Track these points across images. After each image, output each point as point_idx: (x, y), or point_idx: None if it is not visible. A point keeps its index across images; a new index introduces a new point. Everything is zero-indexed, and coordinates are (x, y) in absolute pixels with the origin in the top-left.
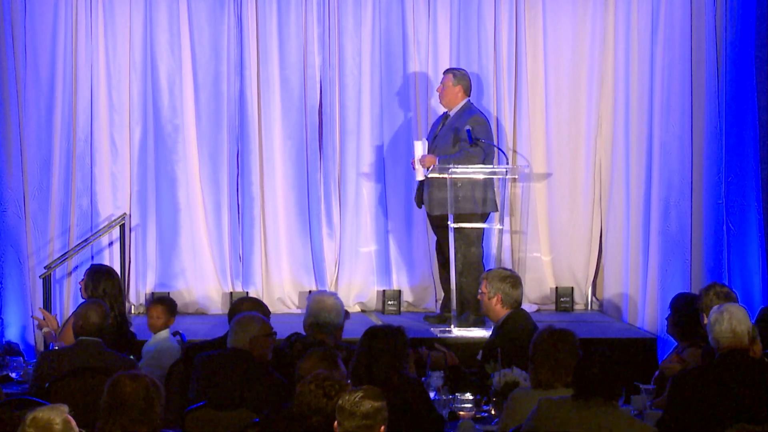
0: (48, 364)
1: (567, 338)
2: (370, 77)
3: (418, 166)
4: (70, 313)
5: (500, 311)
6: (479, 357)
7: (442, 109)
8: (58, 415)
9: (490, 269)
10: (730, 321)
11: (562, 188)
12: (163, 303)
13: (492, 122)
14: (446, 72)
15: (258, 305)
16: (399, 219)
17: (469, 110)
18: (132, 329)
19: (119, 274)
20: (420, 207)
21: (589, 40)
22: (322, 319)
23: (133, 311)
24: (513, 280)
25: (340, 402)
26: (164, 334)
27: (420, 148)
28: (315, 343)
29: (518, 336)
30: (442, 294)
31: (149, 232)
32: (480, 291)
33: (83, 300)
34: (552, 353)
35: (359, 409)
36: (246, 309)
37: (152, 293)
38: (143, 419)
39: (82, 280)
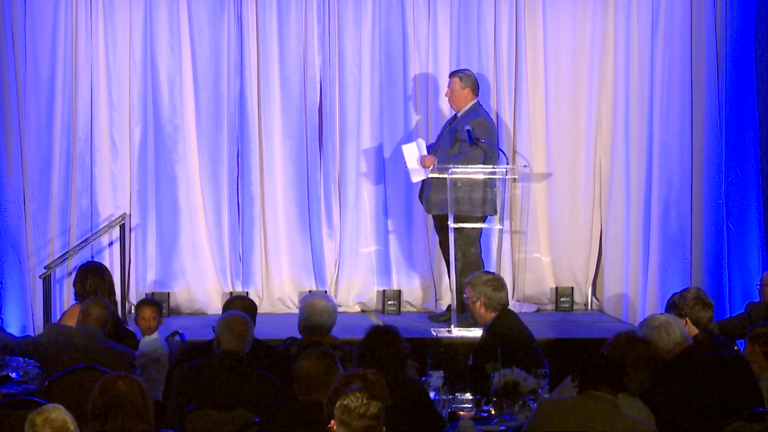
0: (53, 337)
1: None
2: (370, 77)
3: (415, 166)
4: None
5: (485, 315)
6: (470, 362)
7: (444, 109)
8: (67, 415)
9: (474, 273)
10: (669, 329)
11: (562, 188)
12: (154, 304)
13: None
14: (452, 75)
15: (244, 302)
16: (399, 219)
17: (475, 111)
18: (130, 328)
19: (120, 274)
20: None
21: (589, 40)
22: (314, 322)
23: (132, 311)
24: (495, 283)
25: (345, 402)
26: (156, 335)
27: (412, 150)
28: (310, 345)
29: (505, 337)
30: (443, 294)
31: (149, 232)
32: (465, 296)
33: (74, 301)
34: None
35: (369, 410)
36: (233, 308)
37: (152, 293)
38: (141, 418)
39: None
